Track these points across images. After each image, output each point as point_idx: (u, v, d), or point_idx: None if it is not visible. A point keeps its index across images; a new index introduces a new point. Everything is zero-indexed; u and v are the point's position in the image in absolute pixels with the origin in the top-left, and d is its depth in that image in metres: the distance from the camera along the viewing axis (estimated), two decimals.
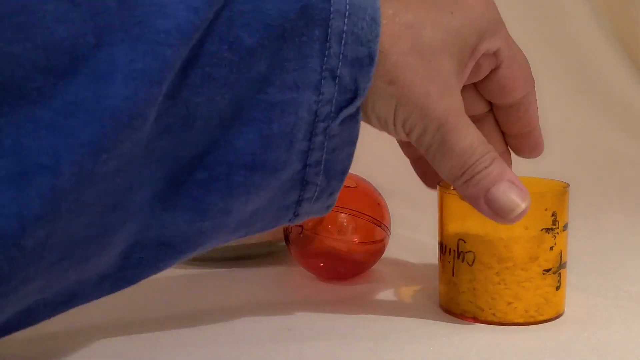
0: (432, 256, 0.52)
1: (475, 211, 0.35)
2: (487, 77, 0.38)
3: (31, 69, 0.26)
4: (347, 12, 0.31)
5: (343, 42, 0.31)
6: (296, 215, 0.34)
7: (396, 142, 0.41)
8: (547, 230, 0.37)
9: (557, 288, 0.38)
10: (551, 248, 0.37)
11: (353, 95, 0.32)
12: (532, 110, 0.39)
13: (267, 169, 0.32)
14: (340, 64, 0.31)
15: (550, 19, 0.91)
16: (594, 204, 0.69)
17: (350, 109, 0.32)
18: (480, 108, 0.40)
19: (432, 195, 0.60)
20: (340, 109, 0.32)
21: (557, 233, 0.37)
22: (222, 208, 0.32)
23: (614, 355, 0.34)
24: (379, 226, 0.46)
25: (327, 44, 0.31)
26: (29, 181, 0.26)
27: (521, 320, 0.38)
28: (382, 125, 0.34)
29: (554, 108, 0.89)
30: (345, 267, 0.46)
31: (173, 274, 0.49)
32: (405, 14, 0.33)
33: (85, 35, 0.26)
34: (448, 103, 0.33)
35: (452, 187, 0.37)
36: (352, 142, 0.33)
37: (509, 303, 0.38)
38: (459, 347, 0.35)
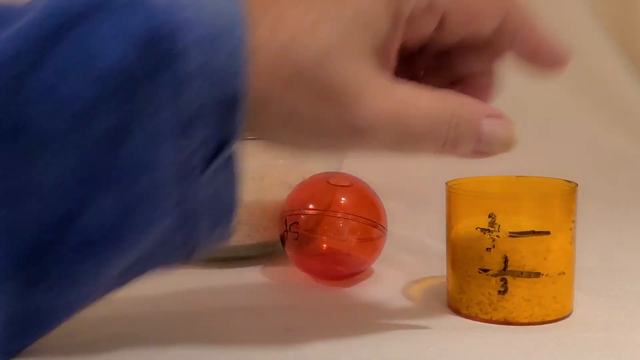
0: (430, 255, 0.52)
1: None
2: (442, 28, 0.32)
3: None
4: (201, 49, 0.27)
5: (198, 83, 0.27)
6: (192, 250, 0.32)
7: None
8: (483, 230, 0.38)
9: (501, 293, 0.38)
10: (488, 249, 0.38)
11: (224, 142, 0.29)
12: (527, 25, 0.33)
13: (136, 229, 0.29)
14: (203, 109, 0.28)
15: (551, 19, 0.91)
16: (596, 204, 0.68)
17: (221, 159, 0.29)
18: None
19: (431, 195, 0.60)
20: (211, 159, 0.29)
21: (498, 236, 0.38)
22: (95, 274, 0.30)
23: (615, 356, 0.34)
24: (375, 227, 0.46)
25: (180, 88, 0.27)
26: None
27: (466, 313, 0.40)
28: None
29: (554, 108, 0.89)
30: (342, 268, 0.46)
31: (172, 274, 0.49)
32: (282, 30, 0.28)
33: None
34: (370, 99, 0.29)
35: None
36: (229, 186, 0.31)
37: (458, 293, 0.40)
38: (459, 348, 0.35)
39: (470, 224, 0.39)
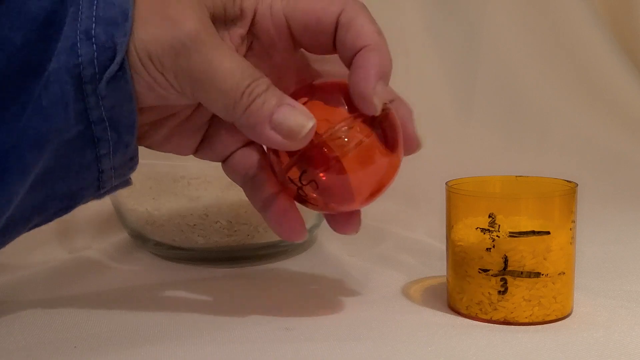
0: (430, 255, 0.52)
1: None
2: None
3: None
4: None
5: (95, 6, 0.34)
6: (101, 172, 0.37)
7: None
8: (483, 230, 0.38)
9: (501, 293, 0.38)
10: (488, 249, 0.38)
11: (113, 52, 0.33)
12: (359, 23, 0.35)
13: (50, 138, 0.34)
14: (94, 25, 0.33)
15: (551, 20, 0.91)
16: (596, 204, 0.68)
17: (113, 68, 0.34)
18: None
19: (431, 195, 0.60)
20: (103, 69, 0.34)
21: (498, 236, 0.38)
22: (20, 190, 0.35)
23: (615, 356, 0.34)
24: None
25: (80, 9, 0.33)
26: None
27: (465, 312, 0.40)
28: (152, 87, 0.35)
29: (554, 108, 0.89)
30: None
31: (172, 273, 0.49)
32: None
33: None
34: (193, 23, 0.34)
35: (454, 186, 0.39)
36: (128, 99, 0.35)
37: (458, 293, 0.40)
38: (459, 348, 0.35)
39: (470, 223, 0.39)
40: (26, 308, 0.42)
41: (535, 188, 0.42)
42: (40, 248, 0.54)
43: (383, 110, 0.35)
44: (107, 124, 0.35)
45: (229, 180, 0.40)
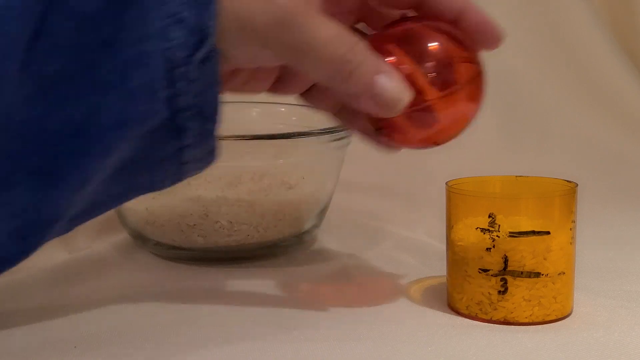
0: (430, 255, 0.52)
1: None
2: None
3: None
4: None
5: None
6: (183, 163, 0.36)
7: None
8: (483, 230, 0.38)
9: (501, 293, 0.38)
10: (488, 249, 0.38)
11: (203, 35, 0.33)
12: None
13: (135, 123, 0.33)
14: (182, 7, 0.33)
15: (551, 20, 0.91)
16: (596, 204, 0.68)
17: (204, 50, 0.33)
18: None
19: (431, 195, 0.60)
20: (194, 52, 0.33)
21: (498, 236, 0.38)
22: (100, 169, 0.34)
23: (615, 356, 0.34)
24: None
25: None
26: None
27: (466, 312, 0.40)
28: (250, 58, 0.35)
29: (554, 108, 0.89)
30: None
31: (172, 273, 0.49)
32: None
33: None
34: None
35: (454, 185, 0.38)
36: (215, 82, 0.34)
37: (458, 292, 0.40)
38: (459, 348, 0.35)
39: (470, 223, 0.39)
40: (26, 308, 0.42)
41: (535, 188, 0.42)
42: (40, 248, 0.54)
43: (478, 67, 0.38)
44: (193, 111, 0.34)
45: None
